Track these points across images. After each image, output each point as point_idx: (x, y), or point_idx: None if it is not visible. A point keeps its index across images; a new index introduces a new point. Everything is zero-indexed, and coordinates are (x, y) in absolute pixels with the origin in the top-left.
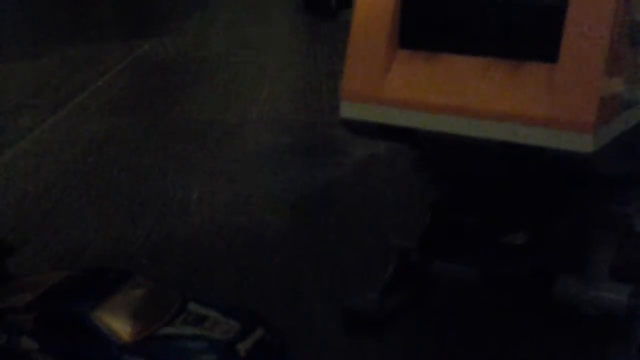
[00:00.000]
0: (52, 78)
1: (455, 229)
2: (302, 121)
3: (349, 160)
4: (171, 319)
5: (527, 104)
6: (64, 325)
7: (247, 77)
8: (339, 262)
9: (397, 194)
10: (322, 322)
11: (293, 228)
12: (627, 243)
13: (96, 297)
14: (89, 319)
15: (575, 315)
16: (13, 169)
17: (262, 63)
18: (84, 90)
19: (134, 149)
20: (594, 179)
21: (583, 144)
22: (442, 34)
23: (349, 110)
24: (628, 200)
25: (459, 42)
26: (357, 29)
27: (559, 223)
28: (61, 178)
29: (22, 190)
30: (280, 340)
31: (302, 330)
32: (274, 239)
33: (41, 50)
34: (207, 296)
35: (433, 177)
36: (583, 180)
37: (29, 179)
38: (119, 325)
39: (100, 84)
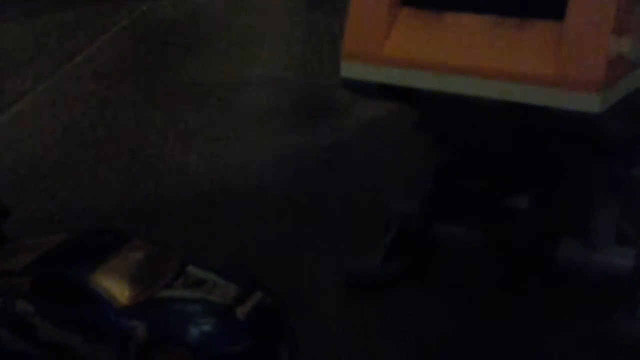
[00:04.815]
0: (49, 40)
1: (459, 192)
2: (302, 84)
3: (349, 122)
4: (170, 282)
5: (533, 63)
6: (61, 289)
7: (247, 40)
8: (339, 226)
9: (398, 156)
10: (323, 286)
11: (293, 192)
12: (632, 205)
13: (94, 261)
14: (86, 282)
15: (579, 279)
16: (10, 131)
17: (262, 26)
18: (82, 52)
19: (133, 111)
20: (600, 140)
21: (590, 104)
22: None
23: (350, 70)
24: (633, 162)
25: (463, 0)
26: None
27: (564, 186)
28: (59, 140)
29: (20, 153)
30: (279, 303)
31: (302, 294)
32: (274, 202)
33: (38, 13)
34: (206, 260)
35: (435, 139)
36: (588, 142)
37: (27, 141)
38: (116, 289)
39: (98, 45)
